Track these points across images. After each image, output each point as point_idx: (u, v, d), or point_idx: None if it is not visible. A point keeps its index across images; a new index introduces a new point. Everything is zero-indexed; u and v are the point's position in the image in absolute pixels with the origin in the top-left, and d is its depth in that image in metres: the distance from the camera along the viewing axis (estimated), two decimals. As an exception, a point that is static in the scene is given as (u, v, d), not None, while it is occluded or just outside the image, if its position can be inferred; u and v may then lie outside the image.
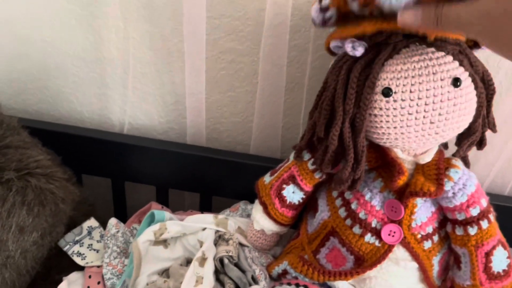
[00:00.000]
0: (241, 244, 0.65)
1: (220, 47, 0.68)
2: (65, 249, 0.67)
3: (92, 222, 0.71)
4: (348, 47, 0.48)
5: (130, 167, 0.77)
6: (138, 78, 0.74)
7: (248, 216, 0.69)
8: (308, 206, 0.64)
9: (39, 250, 0.63)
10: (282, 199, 0.61)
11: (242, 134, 0.76)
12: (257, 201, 0.63)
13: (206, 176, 0.75)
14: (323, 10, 0.48)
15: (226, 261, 0.60)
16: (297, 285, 0.41)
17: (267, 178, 0.63)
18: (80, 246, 0.69)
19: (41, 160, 0.65)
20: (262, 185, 0.62)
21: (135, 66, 0.72)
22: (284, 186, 0.60)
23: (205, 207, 0.78)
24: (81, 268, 0.67)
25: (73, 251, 0.67)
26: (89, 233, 0.70)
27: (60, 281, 0.65)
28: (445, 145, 0.56)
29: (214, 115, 0.75)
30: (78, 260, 0.67)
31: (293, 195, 0.60)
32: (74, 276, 0.66)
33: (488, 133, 0.65)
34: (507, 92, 0.63)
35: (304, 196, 0.61)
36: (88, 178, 0.80)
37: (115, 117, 0.79)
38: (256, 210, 0.63)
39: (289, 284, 0.41)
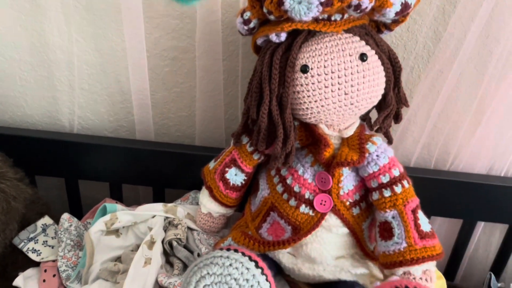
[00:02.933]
0: (190, 229, 0.68)
1: (162, 45, 0.72)
2: (19, 246, 0.69)
3: (46, 220, 0.73)
4: (272, 37, 0.53)
5: (82, 165, 0.79)
6: (85, 79, 0.77)
7: (198, 204, 0.73)
8: (252, 188, 0.68)
9: (-8, 246, 0.65)
10: (225, 181, 0.65)
11: (190, 128, 0.80)
12: (203, 187, 0.67)
13: (157, 169, 0.78)
14: (246, 22, 0.54)
15: (174, 243, 0.64)
16: (235, 250, 0.44)
17: (211, 164, 0.67)
18: (35, 243, 0.70)
19: (-9, 160, 0.67)
20: (207, 171, 0.66)
21: (81, 68, 0.75)
22: (227, 169, 0.64)
23: (158, 200, 0.81)
24: (37, 264, 0.69)
25: (28, 248, 0.69)
26: (44, 230, 0.72)
27: (16, 277, 0.67)
28: (364, 119, 0.61)
29: (162, 111, 0.78)
30: (33, 256, 0.69)
31: (235, 177, 0.65)
32: (30, 272, 0.68)
33: (411, 111, 0.72)
34: (424, 73, 0.70)
35: (246, 178, 0.65)
36: (42, 178, 0.81)
37: (64, 118, 0.81)
38: (203, 194, 0.67)
39: (228, 249, 0.45)
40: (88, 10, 0.71)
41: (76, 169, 0.80)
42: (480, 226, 0.81)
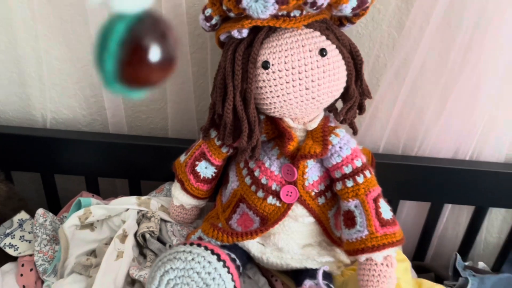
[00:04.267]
0: (164, 220, 0.70)
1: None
2: (-4, 242, 0.70)
3: (22, 215, 0.74)
4: (234, 33, 0.54)
5: (58, 160, 0.80)
6: (55, 74, 0.77)
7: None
8: (223, 180, 0.70)
9: (-31, 243, 0.66)
10: (196, 174, 0.66)
11: (162, 120, 0.81)
12: (175, 180, 0.68)
13: (131, 162, 0.79)
14: (208, 19, 0.55)
15: (147, 236, 0.65)
16: (198, 244, 0.46)
17: (182, 158, 0.68)
18: (12, 238, 0.71)
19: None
20: (178, 164, 0.68)
21: (50, 63, 0.75)
22: (197, 162, 0.66)
23: (135, 192, 0.82)
24: (14, 259, 0.70)
25: (5, 243, 0.70)
26: (20, 225, 0.73)
27: (-6, 273, 0.68)
28: (331, 111, 0.63)
29: (133, 104, 0.79)
30: (10, 251, 0.70)
31: (206, 170, 0.66)
32: (8, 266, 0.69)
33: (378, 98, 0.73)
34: (389, 61, 0.71)
35: (216, 170, 0.66)
36: (18, 174, 0.82)
37: (38, 113, 0.81)
38: (175, 187, 0.68)
39: (191, 244, 0.46)
40: (54, 6, 0.70)
41: (51, 164, 0.81)
42: (448, 208, 0.84)
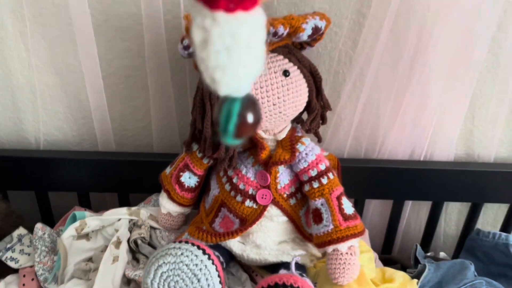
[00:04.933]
0: (153, 228, 0.77)
1: (115, 65, 0.80)
2: (-2, 256, 0.76)
3: (21, 230, 0.80)
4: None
5: (51, 178, 0.86)
6: (47, 100, 0.84)
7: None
8: (205, 188, 0.77)
9: (-26, 258, 0.72)
10: (181, 184, 0.74)
11: (147, 137, 0.88)
12: (162, 190, 0.76)
13: (120, 177, 0.86)
14: (186, 48, 0.63)
15: (139, 242, 0.72)
16: (186, 242, 0.53)
17: (167, 170, 0.76)
18: (12, 252, 0.77)
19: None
20: (164, 176, 0.75)
21: (42, 90, 0.82)
22: (181, 173, 0.74)
23: (124, 204, 0.89)
24: (16, 271, 0.77)
25: (6, 257, 0.76)
26: (19, 240, 0.79)
27: (-3, 285, 0.74)
28: (297, 122, 0.72)
29: (120, 124, 0.86)
30: (12, 264, 0.76)
31: (189, 180, 0.74)
32: (10, 278, 0.75)
33: (340, 109, 0.83)
34: (348, 75, 0.80)
35: (198, 180, 0.74)
36: (14, 193, 0.88)
37: (31, 136, 0.88)
38: (162, 197, 0.76)
39: (180, 242, 0.54)
40: (45, 38, 0.78)
41: (45, 182, 0.87)
42: (409, 204, 0.93)
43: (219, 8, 0.19)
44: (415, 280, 0.74)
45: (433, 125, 0.83)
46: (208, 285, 0.52)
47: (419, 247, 0.86)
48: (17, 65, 0.80)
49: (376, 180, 0.87)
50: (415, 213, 0.95)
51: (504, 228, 0.93)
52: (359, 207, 0.89)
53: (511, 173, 0.87)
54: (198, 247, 0.53)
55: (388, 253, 0.96)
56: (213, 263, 0.53)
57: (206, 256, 0.53)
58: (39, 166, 0.85)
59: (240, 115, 0.21)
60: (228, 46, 0.19)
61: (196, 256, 0.52)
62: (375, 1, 0.72)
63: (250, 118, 0.22)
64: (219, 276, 0.53)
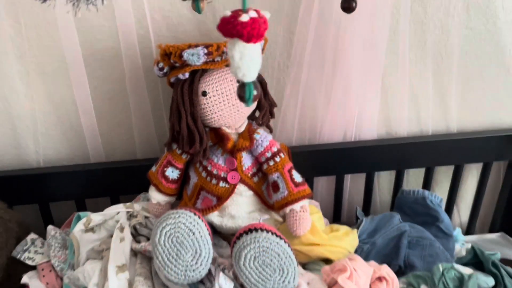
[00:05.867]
0: (146, 217, 0.95)
1: (101, 90, 0.98)
2: (18, 257, 0.91)
3: (32, 235, 0.96)
4: (180, 76, 0.82)
5: (51, 191, 1.02)
6: (44, 126, 1.00)
7: (148, 200, 0.99)
8: (185, 180, 0.96)
9: (1, 258, 0.87)
10: (166, 178, 0.92)
11: (131, 146, 1.06)
12: (151, 185, 0.94)
13: (110, 182, 1.04)
14: (161, 69, 0.83)
15: (137, 226, 0.90)
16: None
17: (153, 168, 0.94)
18: (29, 253, 0.93)
19: (-16, 197, 0.89)
20: (151, 173, 0.94)
21: (40, 119, 0.99)
22: (165, 169, 0.92)
23: (116, 206, 1.06)
24: (34, 268, 0.92)
25: (25, 257, 0.92)
26: (33, 243, 0.95)
27: (19, 281, 0.89)
28: (252, 119, 0.93)
29: (108, 137, 1.04)
30: (29, 262, 0.92)
31: (172, 173, 0.93)
32: (31, 273, 0.91)
33: (285, 106, 1.04)
34: (287, 79, 1.02)
35: (180, 173, 0.93)
36: (19, 207, 1.03)
37: (30, 158, 1.03)
38: (151, 190, 0.94)
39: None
40: (41, 74, 0.95)
41: (46, 195, 1.03)
42: (348, 178, 1.16)
43: (249, 42, 0.41)
44: (355, 229, 0.96)
45: (357, 112, 1.07)
46: (201, 236, 0.71)
47: (358, 208, 1.08)
48: (16, 99, 0.97)
49: (319, 160, 1.09)
50: (354, 184, 1.18)
51: (424, 186, 1.17)
52: (309, 184, 1.10)
53: (422, 143, 1.11)
54: (190, 211, 0.72)
55: (338, 221, 1.18)
56: (202, 221, 0.72)
57: (197, 216, 0.72)
58: (40, 182, 1.01)
59: (253, 89, 0.42)
60: (252, 58, 0.41)
61: (190, 216, 0.71)
62: (299, 21, 0.96)
63: (257, 90, 0.42)
64: (207, 230, 0.72)
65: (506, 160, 1.19)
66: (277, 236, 0.72)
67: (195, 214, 0.73)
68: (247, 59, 0.42)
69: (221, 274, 0.72)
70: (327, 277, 0.77)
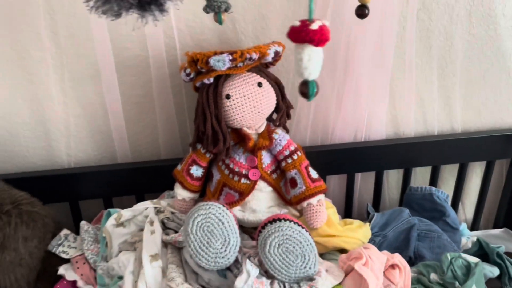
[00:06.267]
0: (172, 212, 1.02)
1: (129, 95, 1.06)
2: (53, 250, 0.98)
3: (65, 231, 1.02)
4: (205, 81, 0.90)
5: (80, 190, 1.09)
6: (76, 129, 1.08)
7: (173, 197, 1.06)
8: (208, 178, 1.03)
9: (39, 252, 0.94)
10: (191, 176, 0.99)
11: (156, 148, 1.13)
12: (176, 182, 1.01)
13: (136, 181, 1.10)
14: (188, 74, 0.91)
15: (165, 221, 0.97)
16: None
17: (179, 167, 1.01)
18: (63, 247, 1.00)
19: (22, 195, 0.96)
20: (177, 172, 1.00)
21: (69, 121, 1.06)
22: (190, 167, 0.99)
23: (141, 204, 1.13)
24: (67, 261, 0.99)
25: (59, 251, 0.99)
26: (66, 238, 1.01)
27: (55, 273, 0.96)
28: (270, 120, 1.00)
29: (134, 139, 1.11)
30: (64, 255, 0.98)
31: (197, 171, 0.99)
32: (66, 266, 0.97)
33: (299, 109, 1.11)
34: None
35: (203, 171, 1.00)
36: (51, 205, 1.10)
37: (60, 159, 1.11)
38: (177, 187, 1.01)
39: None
40: (73, 80, 1.03)
41: (76, 193, 1.10)
42: (359, 176, 1.22)
43: (318, 46, 0.50)
44: (368, 223, 1.02)
45: (367, 114, 1.14)
46: (229, 225, 0.78)
47: (369, 204, 1.15)
48: (50, 104, 1.04)
49: (331, 160, 1.16)
50: (364, 182, 1.24)
51: (431, 184, 1.24)
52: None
53: (428, 143, 1.18)
54: (220, 203, 0.79)
55: (349, 217, 1.24)
56: (230, 212, 0.79)
57: (226, 208, 0.79)
58: (70, 181, 1.08)
59: (315, 86, 0.50)
60: (318, 60, 0.49)
61: (219, 208, 0.78)
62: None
63: (318, 87, 0.50)
64: (235, 220, 0.79)
65: (508, 159, 1.25)
66: (299, 225, 0.78)
67: (223, 205, 0.79)
68: (315, 60, 0.51)
69: (247, 260, 0.78)
70: (344, 265, 0.84)
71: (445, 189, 1.26)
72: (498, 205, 1.32)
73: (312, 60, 0.51)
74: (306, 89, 0.52)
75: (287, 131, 1.01)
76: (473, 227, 1.32)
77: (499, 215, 1.32)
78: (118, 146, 1.09)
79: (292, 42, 0.52)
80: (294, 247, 0.77)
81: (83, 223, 1.01)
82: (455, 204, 1.27)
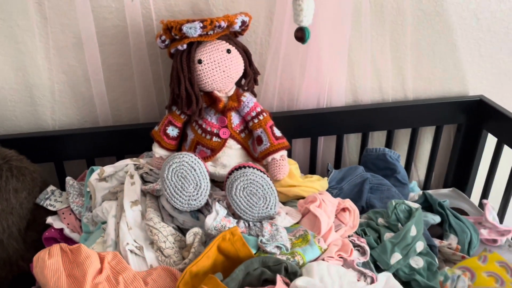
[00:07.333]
0: (150, 169, 1.12)
1: (110, 62, 1.15)
2: (41, 203, 1.08)
3: (51, 187, 1.12)
4: (179, 47, 0.99)
5: (65, 151, 1.19)
6: (60, 95, 1.16)
7: (151, 157, 1.16)
8: (183, 138, 1.14)
9: (28, 203, 1.04)
10: (167, 135, 1.09)
11: (135, 112, 1.23)
12: (154, 142, 1.11)
13: (117, 143, 1.20)
14: (163, 41, 1.00)
15: (144, 175, 1.07)
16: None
17: (156, 128, 1.11)
18: (50, 201, 1.09)
19: (11, 152, 1.05)
20: (155, 132, 1.11)
21: (53, 87, 1.15)
22: (167, 128, 1.09)
23: (121, 165, 1.22)
24: (54, 213, 1.08)
25: (47, 204, 1.08)
26: (53, 193, 1.11)
27: (44, 224, 1.06)
28: (239, 85, 1.10)
29: (115, 104, 1.20)
30: (51, 208, 1.08)
31: (172, 131, 1.10)
32: (52, 217, 1.07)
33: (267, 77, 1.22)
34: (268, 53, 1.20)
35: (179, 131, 1.10)
36: (37, 164, 1.19)
37: (46, 123, 1.19)
38: (155, 146, 1.11)
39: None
40: (57, 48, 1.11)
41: (60, 154, 1.19)
42: (322, 139, 1.35)
43: None
44: (326, 178, 1.15)
45: (328, 82, 1.26)
46: (201, 172, 0.89)
47: (330, 164, 1.28)
48: (35, 70, 1.13)
49: (297, 124, 1.27)
50: (326, 145, 1.37)
51: (386, 147, 1.37)
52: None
53: (384, 109, 1.31)
54: (192, 153, 0.90)
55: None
56: (202, 161, 0.90)
57: (196, 156, 0.90)
58: (55, 143, 1.17)
59: (309, 32, 0.63)
60: (312, 7, 0.64)
61: (191, 156, 0.89)
62: (277, 2, 1.13)
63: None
64: (205, 168, 0.91)
65: (455, 124, 1.39)
66: (261, 171, 0.90)
67: (195, 155, 0.90)
68: (311, 8, 0.64)
69: (216, 203, 0.90)
70: (301, 208, 0.96)
71: (399, 152, 1.40)
72: (447, 167, 1.47)
73: (310, 9, 0.65)
74: (303, 34, 0.67)
75: (255, 95, 1.12)
76: (425, 187, 1.47)
77: (448, 176, 1.47)
78: (99, 111, 1.19)
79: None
80: (257, 190, 0.89)
81: (68, 179, 1.11)
82: (408, 165, 1.41)
